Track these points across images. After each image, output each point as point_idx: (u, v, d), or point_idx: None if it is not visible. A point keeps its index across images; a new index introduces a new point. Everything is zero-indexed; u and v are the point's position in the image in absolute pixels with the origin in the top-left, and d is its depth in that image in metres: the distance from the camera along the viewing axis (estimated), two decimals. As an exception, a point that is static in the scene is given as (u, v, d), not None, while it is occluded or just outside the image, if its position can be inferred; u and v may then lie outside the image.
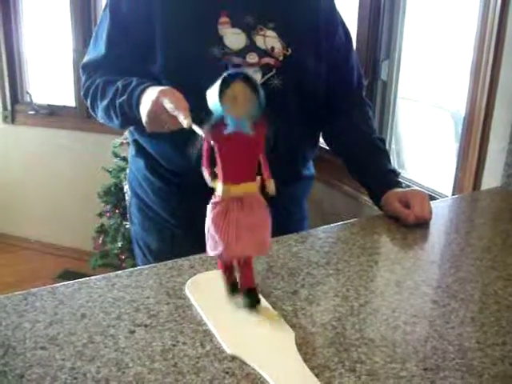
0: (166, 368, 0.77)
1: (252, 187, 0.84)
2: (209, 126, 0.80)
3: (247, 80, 0.79)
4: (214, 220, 0.83)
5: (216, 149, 0.81)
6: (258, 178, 0.85)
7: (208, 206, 0.85)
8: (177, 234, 1.42)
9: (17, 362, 0.77)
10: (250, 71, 1.26)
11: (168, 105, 1.05)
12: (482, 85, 1.72)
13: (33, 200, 3.89)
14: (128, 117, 1.23)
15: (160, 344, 0.82)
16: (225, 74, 0.79)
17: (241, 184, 0.83)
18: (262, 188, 0.85)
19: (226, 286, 0.92)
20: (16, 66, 3.76)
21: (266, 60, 1.29)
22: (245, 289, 0.90)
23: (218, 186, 0.83)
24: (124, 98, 1.21)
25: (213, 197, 0.84)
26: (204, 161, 0.84)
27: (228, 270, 0.92)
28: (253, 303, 0.90)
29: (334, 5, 1.44)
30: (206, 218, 0.85)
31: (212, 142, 0.81)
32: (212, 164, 0.84)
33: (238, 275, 0.92)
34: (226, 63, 1.25)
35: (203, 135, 0.82)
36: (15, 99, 3.81)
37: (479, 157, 1.77)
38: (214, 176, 0.84)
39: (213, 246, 0.85)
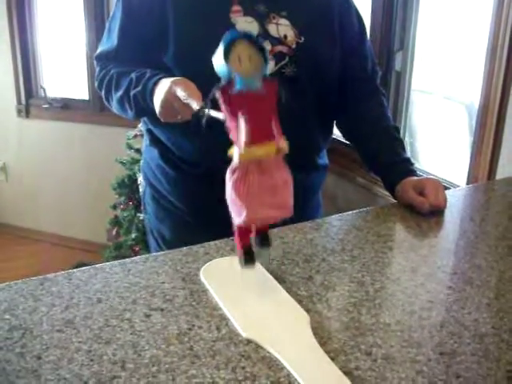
0: (181, 351, 0.77)
1: (269, 149, 0.81)
2: (217, 88, 0.79)
3: (250, 39, 0.79)
4: (235, 185, 0.82)
5: (228, 111, 0.80)
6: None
7: (226, 174, 0.83)
8: (190, 223, 1.43)
9: (34, 344, 0.78)
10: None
11: (181, 93, 1.06)
12: (497, 74, 1.71)
13: (47, 193, 3.91)
14: (142, 108, 1.24)
15: (176, 328, 0.82)
16: (226, 37, 0.79)
17: (257, 146, 0.80)
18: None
19: (240, 255, 0.90)
20: (30, 61, 3.79)
21: (279, 48, 1.29)
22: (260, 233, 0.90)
23: (235, 151, 0.81)
24: (138, 89, 1.22)
25: (230, 164, 0.83)
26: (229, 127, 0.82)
27: (244, 235, 0.90)
28: (265, 244, 0.90)
29: (347, -8, 1.44)
30: (226, 186, 0.84)
31: (223, 104, 0.80)
32: None
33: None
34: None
35: (219, 117, 0.82)
36: (29, 93, 3.83)
37: (494, 146, 1.76)
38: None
39: (237, 212, 0.84)
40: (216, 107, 0.83)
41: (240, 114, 0.79)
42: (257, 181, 0.82)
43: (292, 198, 0.87)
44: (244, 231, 0.90)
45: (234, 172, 0.82)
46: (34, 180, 3.94)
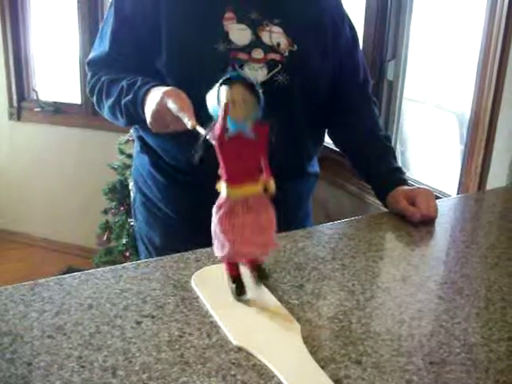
0: (172, 358, 0.77)
1: (255, 188, 0.84)
2: (209, 130, 0.81)
3: (245, 82, 0.80)
4: (220, 222, 0.84)
5: (218, 151, 0.81)
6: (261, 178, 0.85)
7: (213, 208, 0.85)
8: (181, 230, 1.42)
9: (24, 349, 0.77)
10: (256, 67, 1.27)
11: (172, 106, 1.05)
12: (488, 84, 1.73)
13: (38, 197, 3.90)
14: (133, 116, 1.23)
15: (167, 335, 0.82)
16: (223, 79, 0.79)
17: (244, 185, 0.83)
18: (264, 189, 0.85)
19: (232, 287, 0.92)
20: (22, 64, 3.78)
21: (272, 56, 1.29)
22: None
23: (222, 188, 0.83)
24: (129, 97, 1.21)
25: (218, 199, 0.84)
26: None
27: (233, 266, 0.92)
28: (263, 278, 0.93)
29: (339, 1, 1.45)
30: (212, 220, 0.86)
31: (214, 144, 0.81)
32: None
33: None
34: (232, 59, 1.25)
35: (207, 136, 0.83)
36: (21, 96, 3.82)
37: (484, 156, 1.77)
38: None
39: (219, 247, 0.86)
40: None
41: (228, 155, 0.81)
42: (242, 220, 0.83)
43: (275, 237, 0.89)
44: (232, 263, 0.91)
45: (220, 208, 0.84)
46: (24, 183, 3.93)
